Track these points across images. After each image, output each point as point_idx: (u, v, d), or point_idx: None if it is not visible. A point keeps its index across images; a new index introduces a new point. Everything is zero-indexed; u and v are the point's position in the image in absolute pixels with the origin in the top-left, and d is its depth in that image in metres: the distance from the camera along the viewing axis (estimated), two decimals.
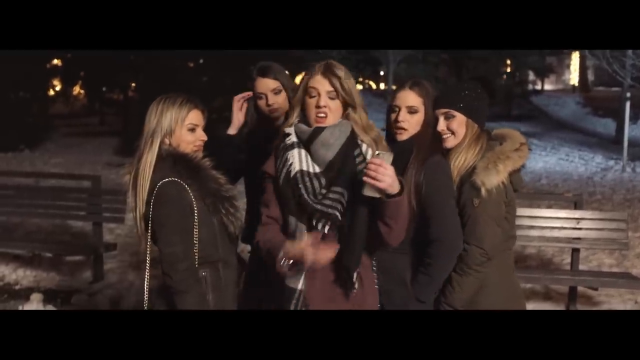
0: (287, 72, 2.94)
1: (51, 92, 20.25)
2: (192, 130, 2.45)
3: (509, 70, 25.00)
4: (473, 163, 2.53)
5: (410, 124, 2.56)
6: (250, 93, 2.89)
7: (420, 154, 2.52)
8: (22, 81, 16.91)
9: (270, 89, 2.82)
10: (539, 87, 29.18)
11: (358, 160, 2.25)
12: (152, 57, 14.50)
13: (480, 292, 2.53)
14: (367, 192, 2.07)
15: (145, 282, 2.47)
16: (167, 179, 2.34)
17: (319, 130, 2.24)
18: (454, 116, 2.57)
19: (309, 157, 2.26)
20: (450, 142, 2.59)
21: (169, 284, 2.32)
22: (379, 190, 2.06)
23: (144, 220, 2.39)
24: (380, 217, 2.14)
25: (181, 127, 2.43)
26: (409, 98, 2.57)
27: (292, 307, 2.24)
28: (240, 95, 2.90)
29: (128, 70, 16.79)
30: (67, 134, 18.04)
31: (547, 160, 14.73)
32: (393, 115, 2.58)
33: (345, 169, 2.22)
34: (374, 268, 2.39)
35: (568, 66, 33.45)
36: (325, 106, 2.23)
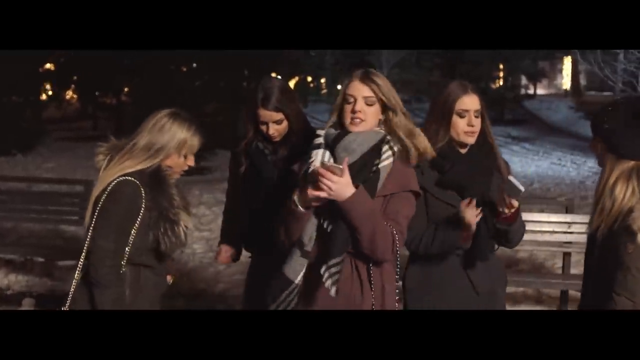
0: (289, 92, 2.86)
1: (44, 97, 20.17)
2: (186, 156, 2.53)
3: (501, 74, 25.09)
4: (629, 205, 2.14)
5: (479, 127, 2.60)
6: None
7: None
8: (15, 85, 16.84)
9: (273, 121, 2.79)
10: (531, 91, 29.28)
11: (373, 169, 2.26)
12: (145, 61, 14.47)
13: None
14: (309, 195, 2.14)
15: (79, 265, 2.51)
16: (128, 178, 2.41)
17: (343, 134, 2.27)
18: (597, 143, 2.25)
19: (331, 159, 2.28)
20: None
21: (93, 275, 2.42)
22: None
23: (93, 205, 2.45)
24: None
25: (181, 152, 2.50)
26: (477, 102, 2.57)
27: (282, 297, 2.24)
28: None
29: (121, 74, 16.76)
30: (60, 138, 17.96)
31: (539, 164, 14.78)
32: (462, 121, 2.55)
33: (359, 176, 2.22)
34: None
35: (560, 70, 33.59)
36: (359, 111, 2.26)
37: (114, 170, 2.43)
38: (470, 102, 2.54)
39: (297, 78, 21.46)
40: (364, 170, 2.24)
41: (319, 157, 2.27)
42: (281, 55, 16.86)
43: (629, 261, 2.13)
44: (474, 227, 2.46)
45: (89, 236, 2.47)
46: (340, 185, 2.09)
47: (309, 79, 21.47)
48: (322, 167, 2.10)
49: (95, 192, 2.45)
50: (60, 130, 19.02)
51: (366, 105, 2.27)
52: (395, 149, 2.30)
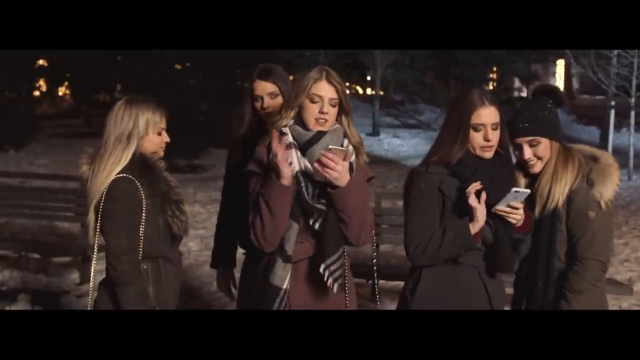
0: (287, 75, 2.94)
1: (37, 93, 20.10)
2: (160, 133, 2.61)
3: (494, 76, 25.18)
4: (577, 179, 2.48)
5: (497, 141, 2.44)
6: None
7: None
8: (8, 81, 16.80)
9: (267, 92, 2.84)
10: (524, 94, 29.40)
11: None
12: (139, 59, 14.45)
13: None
14: (317, 176, 2.25)
15: (92, 272, 2.63)
16: (121, 175, 2.49)
17: (321, 135, 2.33)
18: (539, 142, 2.50)
19: (304, 158, 2.33)
20: (538, 167, 2.53)
21: (112, 275, 2.49)
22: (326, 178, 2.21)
23: (95, 212, 2.52)
24: (335, 210, 2.28)
25: (154, 131, 2.58)
26: (494, 114, 2.39)
27: (275, 306, 2.29)
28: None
29: (115, 72, 16.72)
30: (53, 134, 17.89)
31: None
32: (478, 135, 2.37)
33: None
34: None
35: (553, 74, 33.70)
36: (327, 112, 2.32)
37: (102, 174, 2.50)
38: (486, 114, 2.36)
39: (291, 78, 21.46)
40: None
41: (296, 159, 2.31)
42: (275, 55, 16.83)
43: (594, 226, 2.44)
44: (481, 217, 2.30)
45: (95, 242, 2.56)
46: (344, 170, 2.20)
47: None
48: (330, 152, 2.18)
49: (94, 200, 2.51)
50: (53, 127, 18.92)
51: (331, 106, 2.34)
52: (353, 141, 2.41)
